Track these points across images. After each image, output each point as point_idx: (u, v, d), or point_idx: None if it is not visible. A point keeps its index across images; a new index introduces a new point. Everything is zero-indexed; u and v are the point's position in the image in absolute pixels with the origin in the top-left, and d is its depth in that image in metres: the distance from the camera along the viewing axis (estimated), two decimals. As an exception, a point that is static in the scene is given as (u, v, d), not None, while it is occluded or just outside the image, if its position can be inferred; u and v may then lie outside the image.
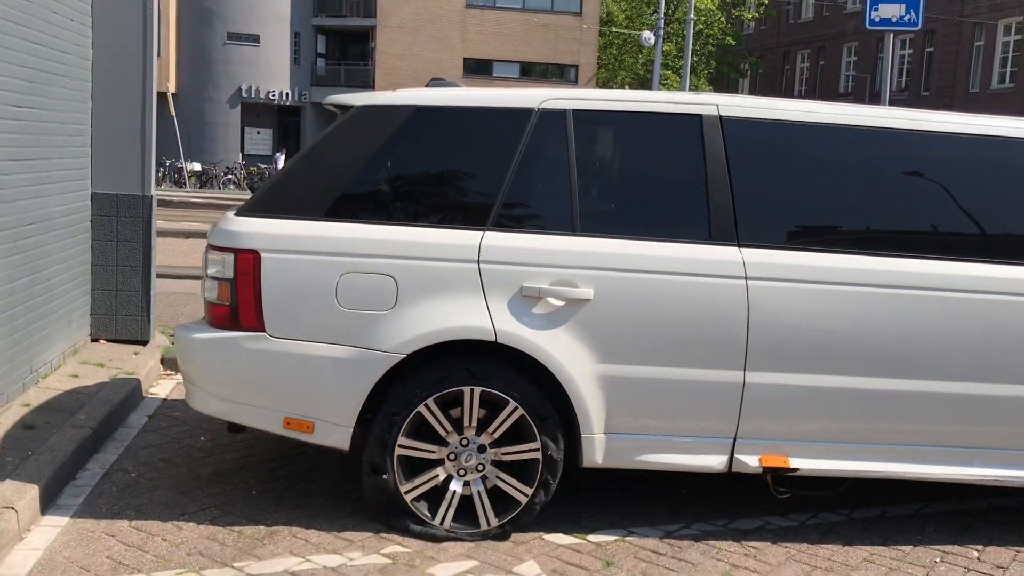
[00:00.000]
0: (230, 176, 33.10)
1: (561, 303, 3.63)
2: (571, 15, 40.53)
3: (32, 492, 3.62)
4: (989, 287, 3.73)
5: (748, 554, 3.71)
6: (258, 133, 39.76)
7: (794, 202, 3.79)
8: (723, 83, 56.17)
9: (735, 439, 3.77)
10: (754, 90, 55.23)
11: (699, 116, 3.80)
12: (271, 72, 38.56)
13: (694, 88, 51.49)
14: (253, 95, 38.15)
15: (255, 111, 39.14)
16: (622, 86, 48.62)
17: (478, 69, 39.86)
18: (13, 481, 3.68)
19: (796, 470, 3.79)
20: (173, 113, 28.01)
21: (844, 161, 3.80)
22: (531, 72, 41.32)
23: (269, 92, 38.42)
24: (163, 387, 5.68)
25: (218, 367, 3.67)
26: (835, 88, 47.45)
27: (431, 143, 3.74)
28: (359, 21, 40.34)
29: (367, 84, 39.72)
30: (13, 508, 3.44)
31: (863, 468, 3.82)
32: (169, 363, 5.97)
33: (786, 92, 51.87)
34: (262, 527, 3.68)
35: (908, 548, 3.85)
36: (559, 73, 41.61)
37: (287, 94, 39.04)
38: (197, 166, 32.89)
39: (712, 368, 3.69)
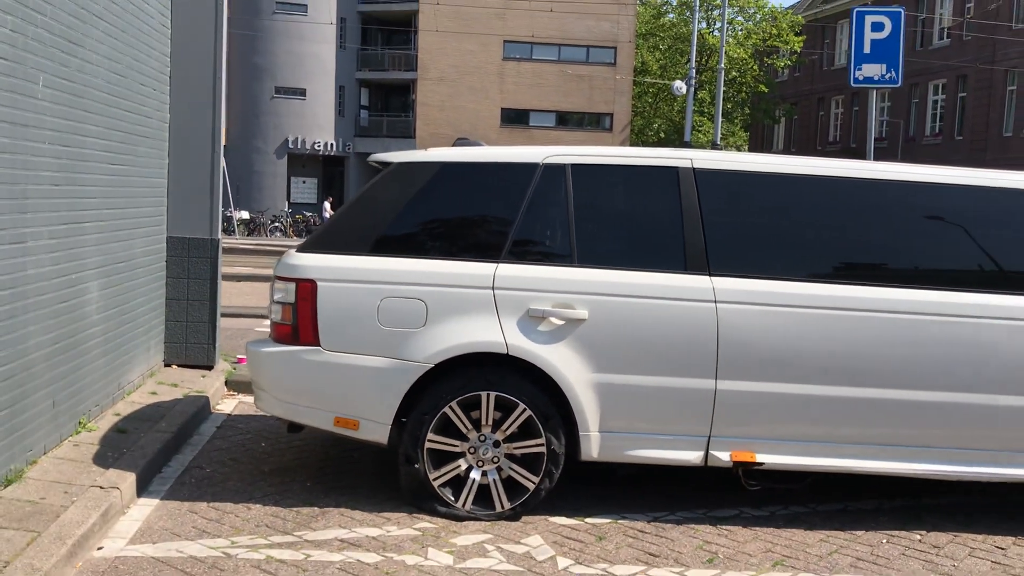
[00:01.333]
0: (277, 224, 34.42)
1: (562, 322, 4.40)
2: (605, 66, 41.65)
3: (130, 478, 4.44)
4: (922, 309, 4.43)
5: (721, 534, 4.40)
6: (304, 182, 41.22)
7: (756, 238, 4.55)
8: (758, 129, 56.92)
9: (710, 437, 4.49)
10: (789, 136, 55.90)
11: (676, 168, 4.59)
12: (317, 124, 40.11)
13: (730, 134, 52.33)
14: (299, 146, 39.68)
15: (301, 161, 40.65)
16: (658, 133, 49.63)
17: (516, 119, 41.09)
18: (115, 470, 4.51)
19: (762, 464, 4.50)
20: (223, 164, 29.43)
21: (796, 204, 4.56)
22: (567, 121, 42.42)
23: (315, 143, 39.94)
24: (228, 405, 6.52)
25: (282, 375, 4.49)
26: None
27: (455, 192, 4.57)
28: (400, 75, 41.90)
29: (408, 134, 41.14)
30: (118, 488, 4.26)
31: (821, 463, 4.51)
32: (232, 385, 6.82)
33: (821, 138, 52.45)
34: (315, 508, 4.46)
35: (860, 532, 4.52)
36: (595, 122, 42.67)
37: (332, 145, 40.54)
38: (245, 214, 34.24)
39: (689, 377, 4.43)
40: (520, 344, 4.38)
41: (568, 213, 4.52)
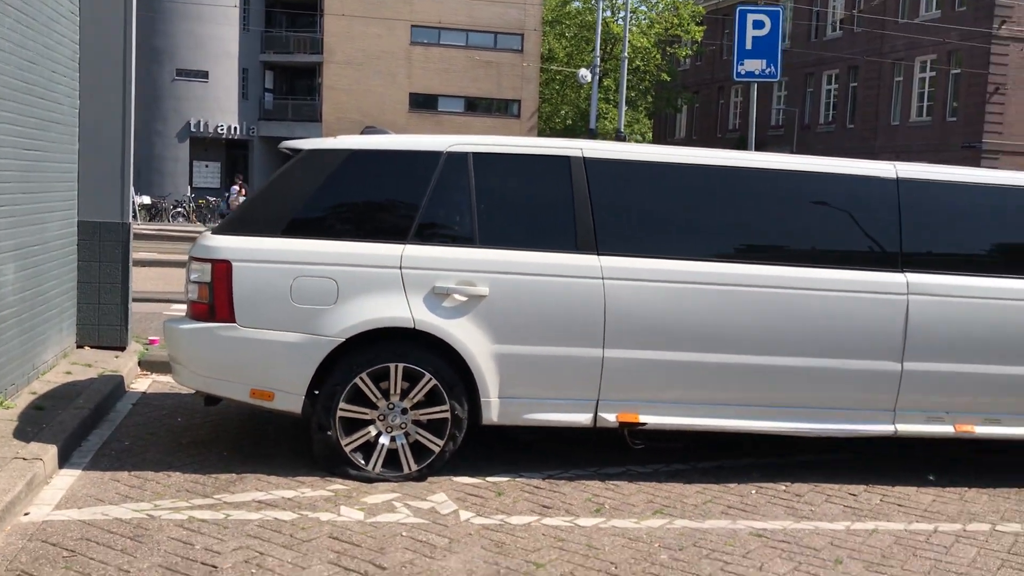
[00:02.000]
0: (179, 209, 33.82)
1: (464, 298, 4.78)
2: (513, 52, 42.05)
3: (52, 450, 4.65)
4: (784, 284, 4.96)
5: (608, 488, 4.86)
6: (206, 166, 40.53)
7: (639, 221, 5.01)
8: (662, 117, 58.22)
9: (598, 401, 4.94)
10: (691, 123, 57.32)
11: (568, 157, 5.00)
12: (219, 107, 39.47)
13: (634, 121, 53.36)
14: (202, 130, 39.00)
15: (203, 145, 39.95)
16: (564, 120, 50.37)
17: (424, 104, 41.19)
18: (36, 443, 4.70)
19: (645, 424, 4.97)
20: (124, 148, 28.77)
21: (675, 191, 5.04)
22: (476, 107, 42.73)
23: (218, 126, 39.30)
24: (142, 384, 6.71)
25: (199, 350, 4.76)
26: (767, 121, 49.57)
27: (363, 178, 4.89)
28: (306, 58, 41.50)
29: (314, 118, 40.82)
30: (40, 459, 4.46)
31: (698, 423, 5.01)
32: (146, 365, 7.00)
33: (721, 126, 53.96)
34: (233, 474, 4.75)
35: (733, 485, 5.04)
36: (503, 108, 43.08)
37: (235, 128, 39.95)
38: (146, 199, 33.54)
39: (579, 347, 4.86)
40: (426, 319, 4.74)
41: (470, 198, 4.90)
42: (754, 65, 8.11)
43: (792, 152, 45.75)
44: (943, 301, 5.08)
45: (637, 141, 49.25)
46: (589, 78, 34.18)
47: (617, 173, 5.03)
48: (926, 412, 5.15)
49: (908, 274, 5.08)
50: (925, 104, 39.09)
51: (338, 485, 4.68)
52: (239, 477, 4.71)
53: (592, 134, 33.63)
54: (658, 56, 46.60)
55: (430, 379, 4.78)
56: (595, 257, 4.89)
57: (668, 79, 47.68)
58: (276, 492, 4.52)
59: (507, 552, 3.95)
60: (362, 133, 5.26)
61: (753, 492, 4.94)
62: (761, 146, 47.26)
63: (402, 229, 4.84)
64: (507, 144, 5.05)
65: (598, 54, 34.71)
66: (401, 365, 4.76)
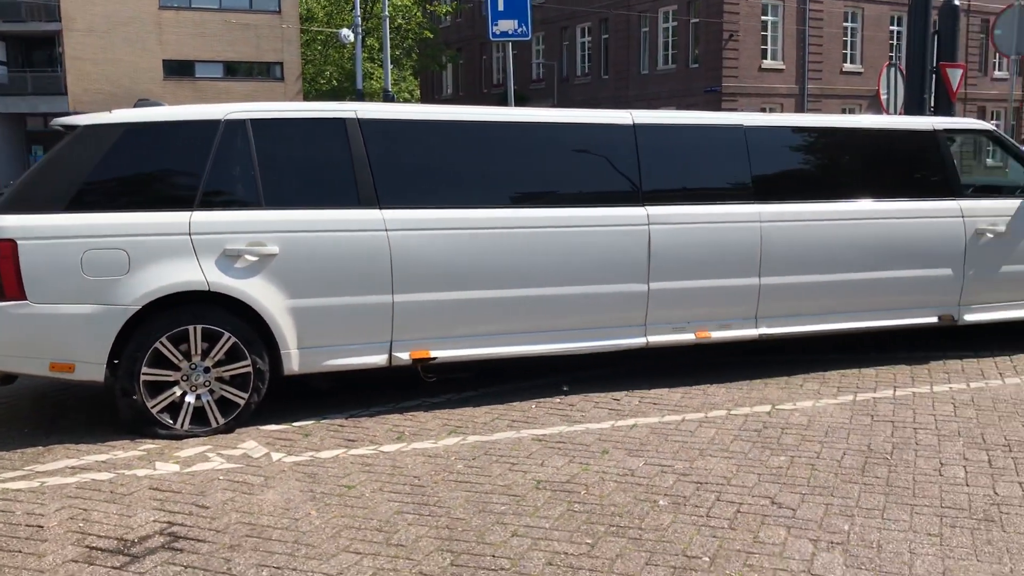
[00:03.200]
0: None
1: (256, 258, 5.08)
2: (271, 14, 40.93)
3: None
4: (545, 223, 5.61)
5: (406, 419, 5.37)
6: (-63, 149, 36.97)
7: (415, 175, 5.49)
8: (428, 75, 58.63)
9: (391, 342, 5.41)
10: (456, 80, 58.18)
11: (343, 119, 5.38)
12: (-53, 83, 36.02)
13: (401, 80, 53.35)
14: (-72, 109, 35.50)
15: (-68, 126, 36.39)
16: (330, 81, 49.66)
17: (180, 71, 39.38)
18: None
19: (435, 359, 5.51)
20: None
21: (444, 145, 5.55)
22: (236, 71, 41.35)
23: (-53, 104, 35.90)
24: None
25: (-8, 330, 4.79)
26: (528, 76, 51.20)
27: (144, 150, 5.05)
28: (41, 26, 38.54)
29: (59, 91, 38.11)
30: None
31: (482, 352, 5.60)
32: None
33: (486, 81, 55.15)
34: (40, 447, 4.85)
35: (516, 403, 5.68)
36: (265, 71, 41.94)
37: (-32, 106, 36.64)
38: None
39: (370, 295, 5.30)
40: (220, 280, 5.01)
41: (252, 162, 5.18)
42: (507, 25, 8.74)
43: (554, 104, 47.67)
44: (677, 228, 5.92)
45: (405, 100, 49.42)
46: (352, 38, 34.00)
47: (391, 132, 5.46)
48: (671, 324, 6.01)
49: (648, 207, 5.88)
50: (670, 53, 41.82)
51: (149, 445, 4.90)
52: (46, 449, 4.83)
53: (359, 95, 33.58)
54: (419, 14, 46.84)
55: (229, 337, 5.07)
56: (377, 211, 5.33)
57: (431, 37, 48.04)
58: (88, 457, 4.69)
59: (320, 481, 4.37)
60: (135, 106, 5.38)
61: (533, 407, 5.61)
62: (524, 100, 48.91)
63: (188, 197, 5.06)
64: (284, 109, 5.36)
65: (359, 13, 34.51)
66: (199, 327, 5.01)
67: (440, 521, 3.87)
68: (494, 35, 8.85)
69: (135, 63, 38.10)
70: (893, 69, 15.38)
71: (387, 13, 33.95)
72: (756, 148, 6.25)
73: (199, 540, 3.69)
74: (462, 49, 54.93)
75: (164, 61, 38.90)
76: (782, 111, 39.03)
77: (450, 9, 50.02)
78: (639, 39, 43.24)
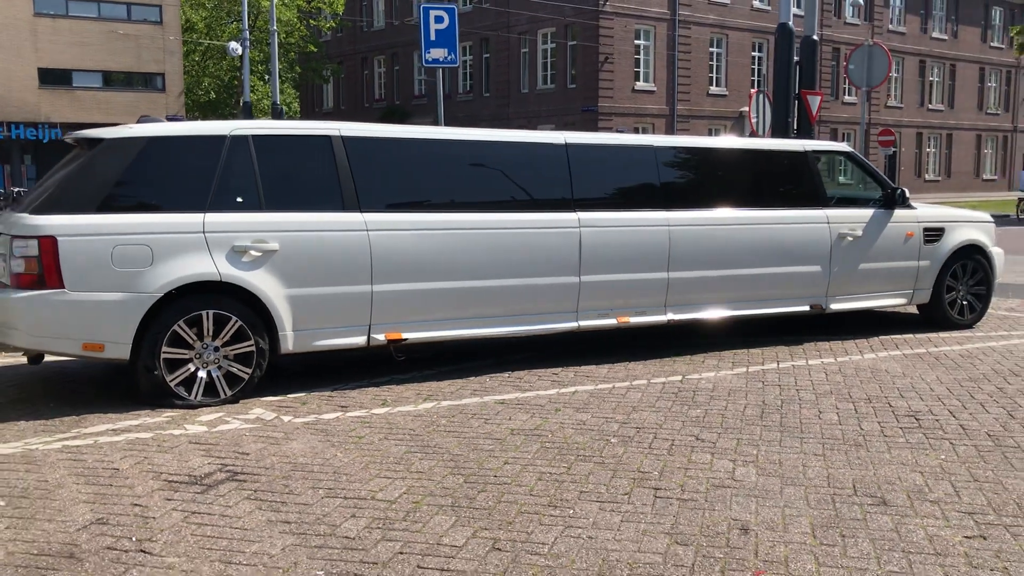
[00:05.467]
0: None
1: (259, 253, 5.96)
2: (152, 24, 40.55)
3: None
4: (497, 226, 6.69)
5: (384, 390, 6.33)
6: None
7: (391, 184, 6.47)
8: (308, 88, 58.75)
9: (370, 325, 6.37)
10: (337, 94, 58.48)
11: (329, 136, 6.33)
12: None
13: (280, 92, 53.36)
14: None
15: None
16: (207, 92, 49.28)
17: (57, 79, 38.54)
18: None
19: (407, 340, 6.49)
20: None
21: (415, 158, 6.56)
22: (114, 82, 40.72)
23: None
24: (-88, 366, 7.01)
25: (32, 314, 5.51)
26: (411, 91, 52.14)
27: (163, 160, 5.87)
28: (-93, 29, 37.05)
29: (-76, 98, 36.70)
30: None
31: (445, 334, 6.62)
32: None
33: (367, 95, 55.72)
34: (74, 417, 5.59)
35: (473, 378, 6.71)
36: (144, 82, 41.44)
37: None
38: None
39: (353, 285, 6.25)
40: (229, 272, 5.87)
41: (254, 171, 6.06)
42: (438, 53, 9.77)
43: (437, 120, 48.71)
44: (603, 231, 7.10)
45: (287, 112, 49.47)
46: (240, 51, 34.17)
47: (369, 147, 6.43)
48: (597, 311, 7.18)
49: (579, 213, 7.03)
50: (549, 73, 43.54)
51: (170, 413, 5.71)
52: (80, 418, 5.57)
53: (247, 108, 33.78)
54: (302, 28, 47.15)
55: (236, 321, 5.93)
56: (359, 214, 6.29)
57: (315, 50, 48.39)
58: (122, 423, 5.48)
59: (332, 434, 5.30)
60: (138, 122, 6.19)
61: (488, 380, 6.66)
62: (406, 116, 49.87)
63: (201, 200, 5.90)
64: (279, 127, 6.26)
65: (247, 25, 34.73)
66: (211, 312, 5.86)
67: (443, 457, 4.88)
68: (427, 62, 9.86)
69: (8, 70, 37.12)
70: (761, 95, 17.17)
71: (275, 27, 34.31)
72: (664, 165, 7.52)
73: (254, 474, 4.58)
74: (343, 63, 55.36)
75: (40, 69, 38.01)
76: (653, 131, 41.30)
77: (333, 24, 50.46)
78: (519, 59, 44.83)
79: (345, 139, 6.36)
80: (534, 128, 40.27)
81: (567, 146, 7.13)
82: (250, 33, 42.73)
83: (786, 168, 8.17)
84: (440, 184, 6.67)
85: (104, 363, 6.64)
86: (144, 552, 3.64)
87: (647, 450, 5.02)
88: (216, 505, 4.16)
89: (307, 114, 58.84)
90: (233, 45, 34.36)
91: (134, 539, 3.76)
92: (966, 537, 3.83)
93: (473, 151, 6.81)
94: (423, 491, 4.35)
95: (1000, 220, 28.84)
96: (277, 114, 32.00)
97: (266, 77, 49.93)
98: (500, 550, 3.68)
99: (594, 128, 38.95)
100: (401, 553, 3.64)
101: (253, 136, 6.12)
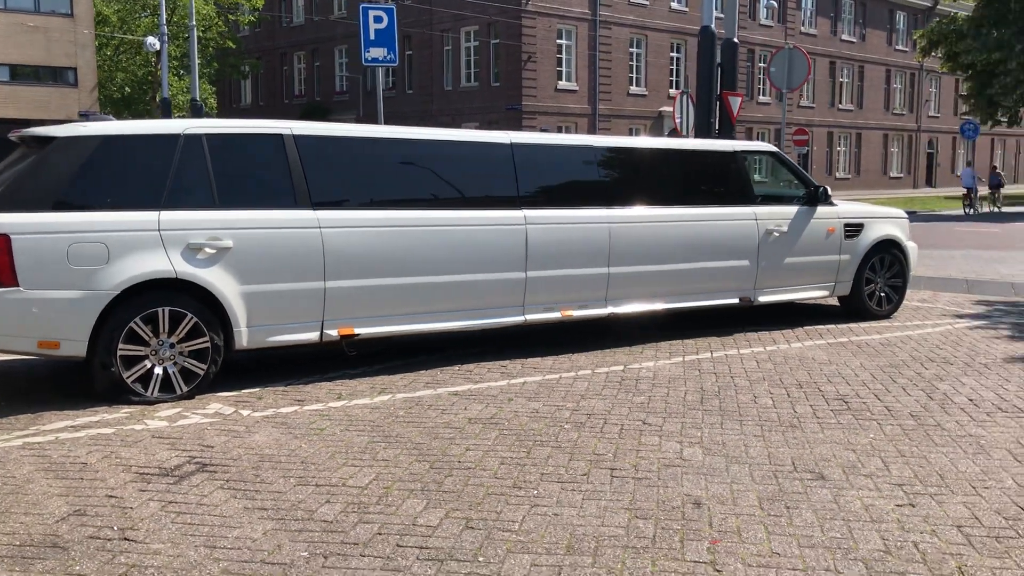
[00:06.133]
0: None
1: (214, 251, 6.04)
2: (61, 16, 39.40)
3: None
4: (445, 223, 6.89)
5: (338, 385, 6.47)
6: None
7: (342, 181, 6.61)
8: (226, 84, 57.76)
9: (323, 321, 6.50)
10: (256, 90, 57.66)
11: (281, 135, 6.43)
12: None
13: (202, 89, 52.40)
14: None
15: None
16: (121, 88, 48.07)
17: (-40, 73, 37.19)
18: None
19: (359, 335, 6.64)
20: None
21: (366, 156, 6.71)
22: (22, 75, 39.46)
23: None
24: None
25: (-13, 313, 5.50)
26: (332, 87, 51.74)
27: (118, 158, 5.90)
28: None
29: None
30: None
31: (395, 329, 6.79)
32: None
33: (287, 91, 55.08)
34: (30, 414, 5.60)
35: (423, 371, 6.89)
36: (54, 76, 40.23)
37: None
38: None
39: (306, 281, 6.37)
40: (184, 270, 5.94)
41: (208, 170, 6.13)
42: (378, 52, 9.90)
43: (359, 117, 48.49)
44: (548, 227, 7.35)
45: (206, 109, 48.56)
46: (157, 46, 33.53)
47: (320, 145, 6.56)
48: (543, 305, 7.43)
49: (525, 210, 7.28)
50: (473, 71, 43.76)
51: (128, 409, 5.76)
52: (37, 415, 5.59)
53: (166, 104, 33.15)
54: (220, 23, 46.36)
55: (192, 318, 6.00)
56: (311, 211, 6.42)
57: (233, 46, 47.63)
58: (81, 419, 5.51)
59: (293, 427, 5.44)
60: (80, 117, 6.22)
61: (439, 373, 6.86)
62: (327, 113, 49.50)
63: (156, 198, 5.95)
64: (232, 126, 6.35)
65: (164, 20, 34.07)
66: (167, 309, 5.92)
67: (406, 445, 5.07)
68: (366, 60, 9.97)
69: (-91, 63, 35.63)
70: (685, 96, 17.70)
71: (194, 22, 33.74)
72: (605, 164, 7.82)
73: (223, 465, 4.70)
74: (261, 58, 54.60)
75: (-58, 62, 36.60)
76: (576, 130, 41.88)
77: (252, 19, 49.71)
78: (443, 56, 44.92)
79: (297, 138, 6.48)
80: (458, 126, 40.48)
81: (512, 145, 7.37)
82: (167, 28, 41.95)
83: (718, 168, 8.55)
84: (391, 182, 6.84)
85: (59, 361, 6.61)
86: (128, 540, 3.74)
87: (599, 434, 5.28)
88: (191, 495, 4.27)
89: (224, 110, 57.86)
90: (151, 40, 33.68)
91: (115, 528, 3.86)
92: (897, 505, 4.19)
93: (422, 150, 7.00)
94: (392, 477, 4.53)
95: (954, 217, 30.22)
96: (197, 111, 31.51)
97: (182, 73, 48.97)
98: (473, 528, 3.89)
99: (518, 127, 39.31)
100: (379, 534, 3.82)
101: (206, 135, 6.19)
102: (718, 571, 3.50)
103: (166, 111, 32.44)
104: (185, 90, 47.82)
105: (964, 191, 33.43)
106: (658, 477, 4.55)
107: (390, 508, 4.12)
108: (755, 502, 4.22)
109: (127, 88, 48.29)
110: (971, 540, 3.80)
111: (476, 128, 36.71)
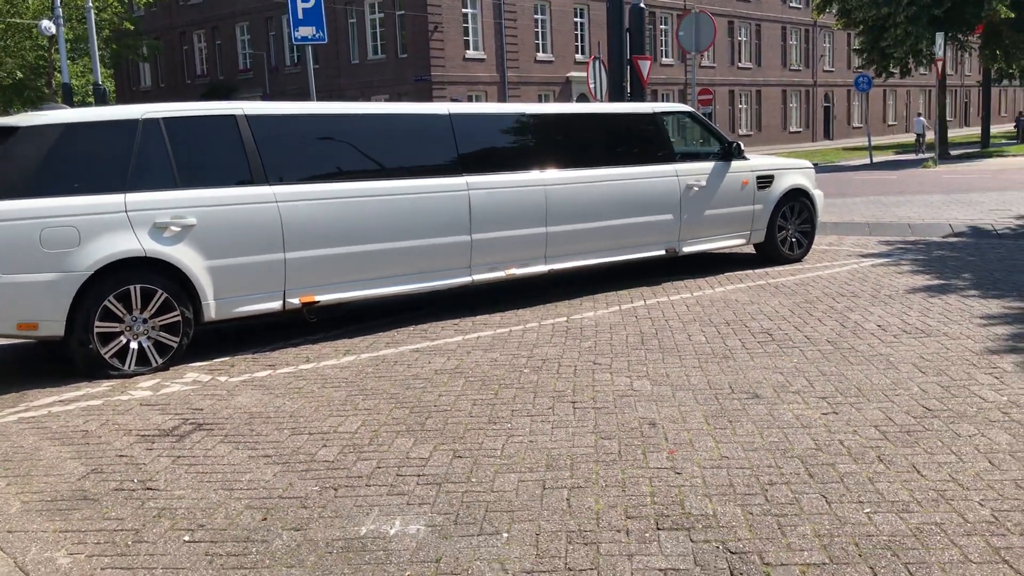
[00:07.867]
0: None
1: (179, 228, 6.35)
2: (-55, 2, 37.78)
3: None
4: (394, 192, 7.30)
5: (304, 349, 6.86)
6: None
7: (295, 157, 6.96)
8: (124, 66, 56.11)
9: (285, 291, 6.87)
10: (156, 71, 56.24)
11: (234, 115, 6.74)
12: None
13: (88, 71, 50.88)
14: None
15: None
16: (11, 73, 46.33)
17: None
18: None
19: (319, 302, 7.03)
20: None
21: (316, 132, 7.08)
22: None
23: None
24: None
25: (-34, 299, 5.73)
26: (236, 65, 50.84)
27: (82, 144, 6.15)
28: None
29: None
30: None
31: (353, 295, 7.20)
32: None
33: (189, 71, 53.90)
34: (14, 394, 5.86)
35: (383, 332, 7.33)
36: (-61, 65, 38.63)
37: None
38: None
39: (267, 254, 6.73)
40: (153, 248, 6.25)
41: (168, 151, 6.42)
42: (307, 31, 10.14)
43: (265, 94, 47.86)
44: (488, 192, 7.83)
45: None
46: (53, 29, 32.55)
47: (272, 124, 6.89)
48: (488, 265, 7.93)
49: (466, 176, 7.74)
50: (379, 43, 43.61)
51: (109, 383, 6.06)
52: (22, 394, 5.85)
53: (67, 90, 32.28)
54: (116, 3, 45.02)
55: (162, 293, 6.32)
56: (268, 187, 6.76)
57: (132, 27, 46.34)
58: (66, 395, 5.80)
59: (272, 388, 5.83)
60: (42, 108, 6.43)
61: (396, 334, 7.31)
62: (232, 91, 48.70)
63: (121, 181, 6.22)
64: (187, 109, 6.63)
65: (59, 2, 33.05)
66: (139, 286, 6.23)
67: (383, 396, 5.53)
68: (296, 39, 10.21)
69: None
70: (597, 62, 18.27)
71: (91, 3, 32.84)
72: (536, 129, 8.33)
73: (218, 423, 5.09)
74: (160, 38, 53.21)
75: None
76: (486, 98, 42.23)
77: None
78: (347, 29, 44.59)
79: (249, 117, 6.80)
80: (367, 99, 40.41)
81: (451, 116, 7.80)
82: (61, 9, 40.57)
83: (640, 129, 9.14)
84: (341, 156, 7.22)
85: (37, 340, 6.83)
86: (151, 489, 4.14)
87: (556, 375, 5.83)
88: (196, 449, 4.67)
89: (124, 95, 56.30)
90: (46, 24, 32.68)
91: (136, 480, 4.24)
92: (823, 414, 4.85)
93: (368, 124, 7.39)
94: (377, 423, 5.00)
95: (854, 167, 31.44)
96: (100, 96, 30.82)
97: (74, 57, 47.42)
98: (461, 457, 4.40)
99: (428, 98, 39.45)
100: (379, 468, 4.30)
101: (163, 119, 6.47)
102: (678, 473, 4.08)
103: (68, 98, 31.59)
104: (79, 74, 46.40)
105: (916, 135, 42.08)
106: (615, 406, 5.13)
107: (383, 447, 4.59)
108: (702, 419, 4.83)
109: (19, 73, 46.58)
110: (887, 435, 4.47)
111: (386, 101, 36.78)
